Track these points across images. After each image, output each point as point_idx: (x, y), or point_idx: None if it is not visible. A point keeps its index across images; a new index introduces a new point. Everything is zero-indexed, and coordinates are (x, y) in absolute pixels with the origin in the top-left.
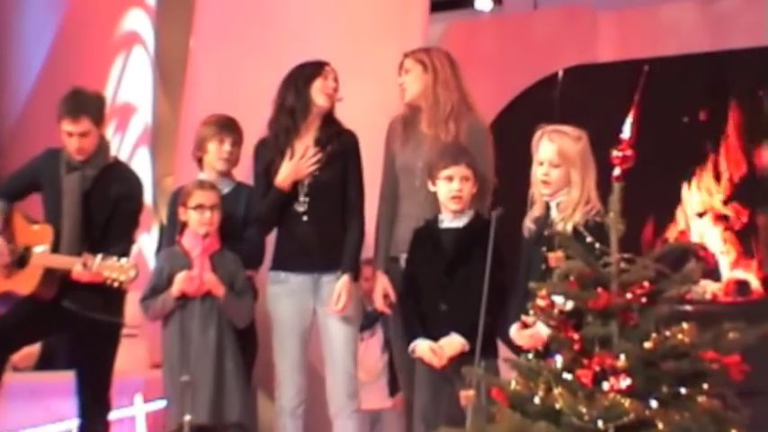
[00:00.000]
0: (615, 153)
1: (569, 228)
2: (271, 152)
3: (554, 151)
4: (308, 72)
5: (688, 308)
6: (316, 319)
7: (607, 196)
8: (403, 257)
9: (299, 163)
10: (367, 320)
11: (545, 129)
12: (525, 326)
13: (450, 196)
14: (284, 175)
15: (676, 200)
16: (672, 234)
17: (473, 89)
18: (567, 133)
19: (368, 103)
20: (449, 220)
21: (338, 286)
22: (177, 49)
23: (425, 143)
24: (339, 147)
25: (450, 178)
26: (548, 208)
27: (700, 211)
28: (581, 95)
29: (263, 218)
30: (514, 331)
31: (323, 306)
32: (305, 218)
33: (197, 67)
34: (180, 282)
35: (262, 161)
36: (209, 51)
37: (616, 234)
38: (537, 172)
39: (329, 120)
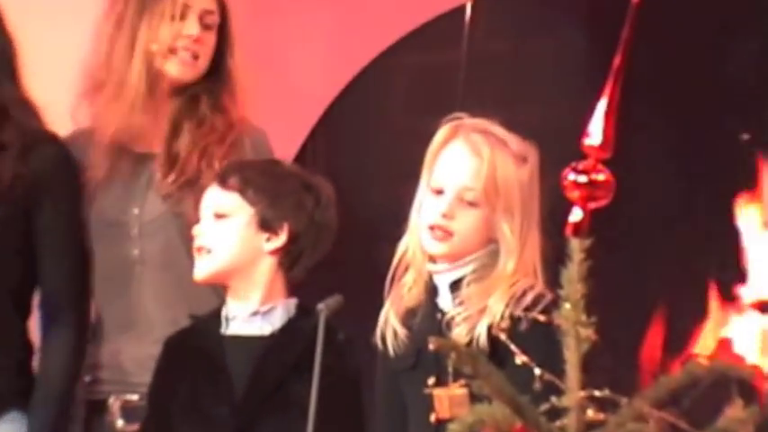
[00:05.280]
0: (571, 176)
1: (482, 335)
2: None
3: (476, 173)
4: None
5: None
6: None
7: (553, 268)
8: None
9: None
10: None
11: (462, 123)
12: None
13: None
14: None
15: (710, 268)
16: (705, 344)
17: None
18: (507, 144)
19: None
20: (242, 322)
21: None
22: None
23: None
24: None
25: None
26: (434, 291)
27: (758, 300)
28: (509, 53)
29: None
30: None
31: None
32: None
33: None
34: None
35: None
36: None
37: (578, 349)
38: (428, 207)
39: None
